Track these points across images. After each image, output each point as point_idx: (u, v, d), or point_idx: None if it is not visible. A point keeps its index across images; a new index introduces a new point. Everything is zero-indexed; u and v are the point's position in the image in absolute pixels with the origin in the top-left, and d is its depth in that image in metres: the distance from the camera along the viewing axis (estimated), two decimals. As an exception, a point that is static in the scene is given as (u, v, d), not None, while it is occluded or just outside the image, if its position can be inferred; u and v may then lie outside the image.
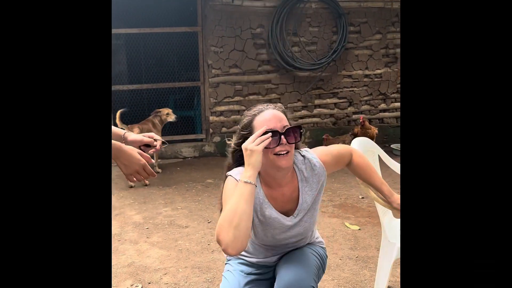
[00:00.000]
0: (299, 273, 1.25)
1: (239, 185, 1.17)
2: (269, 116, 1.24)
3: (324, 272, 1.44)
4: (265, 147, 1.20)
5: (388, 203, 1.44)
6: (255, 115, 1.27)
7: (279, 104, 1.31)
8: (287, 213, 1.32)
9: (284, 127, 1.24)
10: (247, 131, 1.27)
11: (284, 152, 1.22)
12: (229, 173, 1.30)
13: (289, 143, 1.22)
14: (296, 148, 1.36)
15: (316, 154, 1.37)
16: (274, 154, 1.22)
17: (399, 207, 1.39)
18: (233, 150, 1.33)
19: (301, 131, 1.25)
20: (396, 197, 1.41)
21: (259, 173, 1.29)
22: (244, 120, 1.29)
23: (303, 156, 1.35)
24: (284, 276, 1.25)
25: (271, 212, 1.30)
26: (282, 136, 1.21)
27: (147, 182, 4.11)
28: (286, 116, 1.29)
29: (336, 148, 1.45)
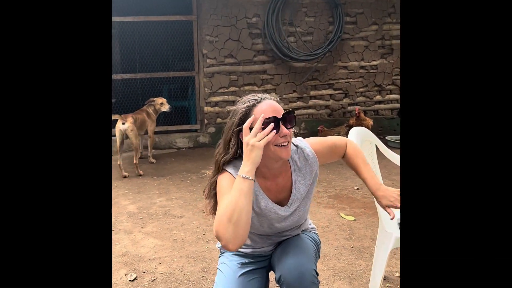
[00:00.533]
0: (299, 258, 1.24)
1: (237, 180, 1.13)
2: (268, 107, 1.19)
3: (319, 257, 1.44)
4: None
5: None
6: (253, 105, 1.20)
7: (273, 94, 1.27)
8: (281, 203, 1.32)
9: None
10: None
11: (286, 143, 1.20)
12: (225, 168, 1.25)
13: (287, 128, 1.20)
14: None
15: (309, 144, 1.36)
16: (276, 145, 1.19)
17: (384, 201, 1.28)
18: (226, 147, 1.24)
19: (295, 115, 1.23)
20: (381, 194, 1.30)
21: None
22: (240, 111, 1.21)
23: (296, 145, 1.34)
24: (286, 262, 1.25)
25: (267, 203, 1.29)
26: (281, 123, 1.18)
27: (141, 172, 4.08)
28: (279, 103, 1.26)
29: (331, 139, 1.42)
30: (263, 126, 1.16)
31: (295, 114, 1.23)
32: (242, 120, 1.20)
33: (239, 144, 1.23)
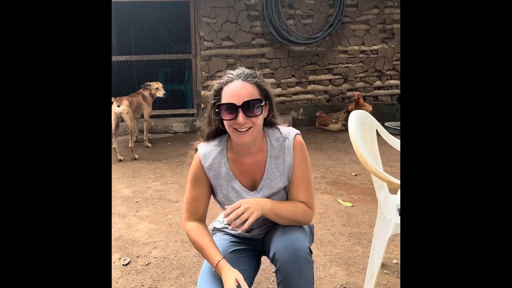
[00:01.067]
0: (294, 234, 1.22)
1: (211, 258, 1.24)
2: (233, 91, 1.17)
3: (312, 241, 1.41)
4: (225, 120, 1.19)
5: None
6: (225, 83, 1.21)
7: (251, 72, 1.21)
8: (254, 186, 1.29)
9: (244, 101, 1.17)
10: (217, 98, 1.23)
11: (243, 130, 1.17)
12: (199, 147, 1.29)
13: (248, 117, 1.17)
14: (273, 124, 1.29)
15: (296, 148, 1.27)
16: (234, 128, 1.18)
17: (244, 204, 1.18)
18: (208, 119, 1.29)
19: (262, 104, 1.19)
20: (247, 201, 1.20)
21: (228, 139, 1.29)
22: (215, 87, 1.24)
23: (284, 138, 1.28)
24: (279, 239, 1.22)
25: (235, 185, 1.28)
26: (240, 110, 1.15)
27: (136, 156, 4.02)
28: (260, 85, 1.21)
29: (311, 183, 1.30)
30: (217, 110, 1.19)
31: (262, 104, 1.19)
32: (215, 95, 1.23)
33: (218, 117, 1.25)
